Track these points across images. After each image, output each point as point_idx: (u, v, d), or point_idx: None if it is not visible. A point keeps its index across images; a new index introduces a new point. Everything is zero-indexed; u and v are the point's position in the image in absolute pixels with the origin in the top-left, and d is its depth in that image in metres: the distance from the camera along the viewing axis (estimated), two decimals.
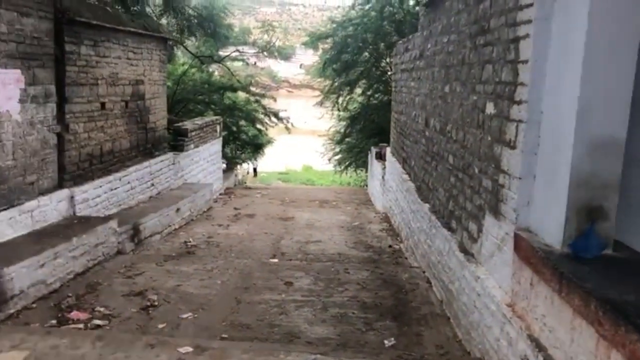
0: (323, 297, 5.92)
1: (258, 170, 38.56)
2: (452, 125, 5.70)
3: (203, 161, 13.59)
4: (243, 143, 22.72)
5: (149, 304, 5.55)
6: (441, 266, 5.72)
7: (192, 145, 12.58)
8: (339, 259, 7.91)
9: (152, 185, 10.00)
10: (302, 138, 47.17)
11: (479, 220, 4.57)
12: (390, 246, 8.78)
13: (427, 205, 6.70)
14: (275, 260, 7.73)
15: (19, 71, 5.97)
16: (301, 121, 56.52)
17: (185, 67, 17.58)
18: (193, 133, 12.66)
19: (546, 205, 3.52)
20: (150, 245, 8.27)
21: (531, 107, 3.65)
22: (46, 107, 6.57)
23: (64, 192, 6.98)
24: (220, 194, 15.37)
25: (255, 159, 28.06)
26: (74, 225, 6.67)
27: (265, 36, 17.35)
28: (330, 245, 8.75)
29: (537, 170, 3.67)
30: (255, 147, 23.75)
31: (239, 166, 32.10)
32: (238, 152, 24.63)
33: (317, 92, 22.98)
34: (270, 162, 37.56)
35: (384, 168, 12.43)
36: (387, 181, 11.54)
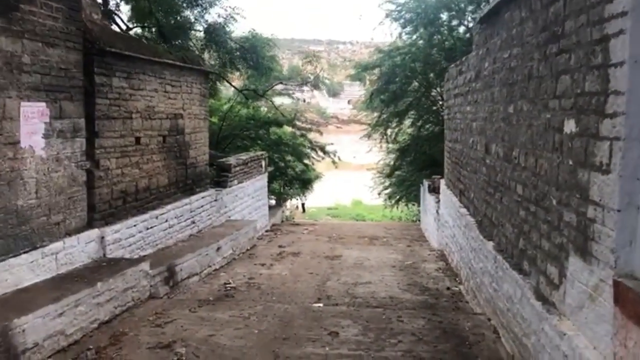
0: (373, 351, 5.14)
1: (307, 205, 38.18)
2: (519, 150, 4.93)
3: (247, 197, 13.13)
4: (291, 178, 22.33)
5: (175, 358, 4.92)
6: (511, 315, 4.86)
7: (235, 181, 12.16)
8: (391, 303, 7.11)
9: (193, 223, 9.54)
10: (351, 173, 46.74)
11: (561, 262, 3.74)
12: (448, 288, 7.91)
13: (490, 243, 5.87)
14: (320, 304, 7.00)
15: (43, 104, 5.63)
16: (350, 156, 56.19)
17: (231, 102, 17.42)
18: (237, 168, 12.26)
19: None
20: (186, 288, 7.72)
21: (630, 121, 2.87)
22: (74, 142, 6.20)
23: (94, 233, 6.54)
24: (266, 231, 14.84)
25: (304, 195, 27.64)
26: (101, 268, 6.19)
27: (309, 66, 17.02)
28: (381, 288, 7.95)
29: None
30: (303, 182, 23.32)
31: (287, 202, 31.80)
32: (286, 187, 24.27)
33: (366, 127, 22.46)
34: (319, 197, 37.08)
35: (438, 202, 11.59)
36: (442, 216, 10.69)
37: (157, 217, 8.20)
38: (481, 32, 6.86)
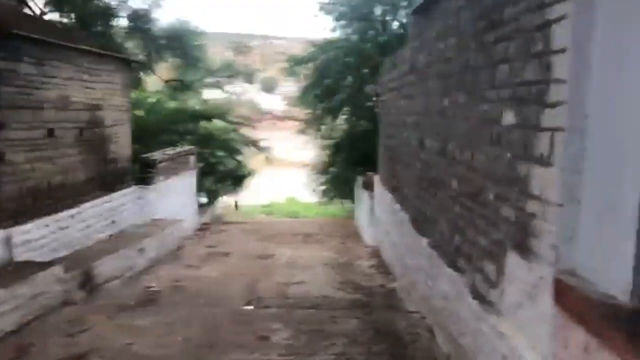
0: (305, 356, 4.86)
1: (240, 203, 37.47)
2: (454, 144, 4.78)
3: (175, 194, 12.54)
4: (223, 175, 21.71)
5: None
6: (447, 313, 4.71)
7: (161, 178, 11.56)
8: (324, 303, 6.85)
9: (113, 222, 8.93)
10: (286, 170, 46.31)
11: (499, 259, 3.59)
12: (382, 286, 7.76)
13: (425, 240, 5.72)
14: (250, 307, 6.66)
15: None
16: (285, 153, 55.67)
17: (158, 95, 16.66)
18: (162, 164, 11.66)
19: (603, 239, 2.56)
20: (105, 293, 7.16)
21: (572, 110, 2.71)
22: None
23: None
24: (196, 230, 14.28)
25: (237, 192, 27.02)
26: (5, 273, 5.58)
27: (241, 58, 16.51)
28: (314, 287, 7.69)
29: (585, 194, 2.72)
30: (236, 179, 22.75)
31: (220, 200, 31.00)
32: (218, 184, 23.60)
33: (300, 123, 22.16)
34: (253, 195, 36.44)
35: (372, 198, 11.48)
36: (376, 212, 10.57)
37: (73, 216, 7.58)
38: (416, 23, 6.71)
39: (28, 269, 5.79)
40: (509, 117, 3.45)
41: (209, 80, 18.10)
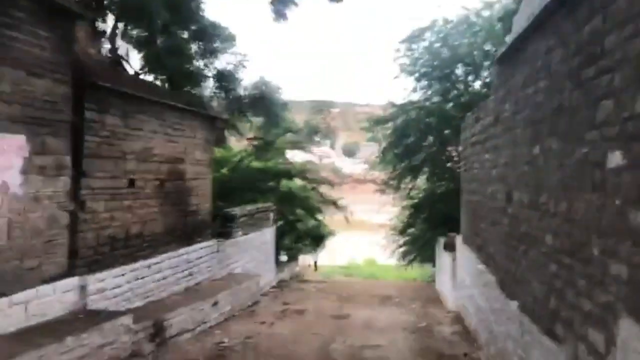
0: None
1: (319, 263, 37.18)
2: (547, 195, 4.30)
3: (253, 250, 12.49)
4: (302, 234, 21.66)
5: None
6: None
7: (240, 232, 11.57)
8: None
9: (190, 275, 8.90)
10: (365, 233, 45.80)
11: (608, 325, 3.05)
12: (466, 354, 7.09)
13: (514, 303, 5.14)
14: None
15: (23, 137, 5.17)
16: (365, 215, 55.37)
17: (241, 154, 17.05)
18: (242, 219, 11.70)
19: None
20: (175, 347, 7.00)
21: None
22: (57, 180, 5.71)
23: (73, 281, 5.94)
24: (272, 287, 14.09)
25: (316, 251, 26.83)
26: (76, 321, 5.56)
27: (320, 117, 16.68)
28: (392, 352, 7.16)
29: None
30: (316, 238, 22.64)
31: (298, 258, 30.91)
32: (298, 243, 23.55)
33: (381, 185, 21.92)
34: (332, 256, 36.14)
35: (454, 260, 10.84)
36: (458, 274, 9.93)
37: (149, 267, 7.60)
38: (501, 72, 6.37)
39: (98, 317, 5.76)
40: (616, 159, 3.00)
41: (290, 139, 18.36)
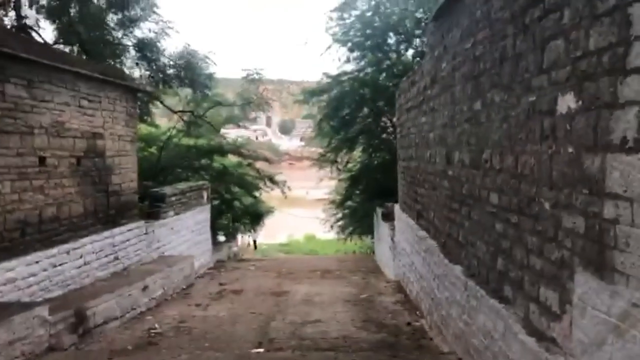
0: None
1: (258, 242, 36.73)
2: (491, 151, 4.08)
3: (186, 231, 11.91)
4: (240, 213, 21.14)
5: None
6: (491, 354, 3.91)
7: (171, 213, 10.96)
8: (344, 344, 6.06)
9: (116, 259, 8.29)
10: (304, 209, 45.61)
11: (562, 283, 2.84)
12: (409, 324, 6.93)
13: (458, 267, 4.95)
14: (260, 350, 5.89)
15: None
16: (303, 192, 55.26)
17: (171, 131, 16.26)
18: (172, 198, 11.08)
19: None
20: (101, 336, 6.45)
21: None
22: None
23: None
24: (209, 268, 13.58)
25: (255, 230, 26.39)
26: None
27: (252, 86, 16.05)
28: (333, 326, 6.90)
29: None
30: (254, 216, 22.16)
31: (237, 238, 30.35)
32: (235, 222, 23.02)
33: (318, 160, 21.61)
34: (271, 233, 35.79)
35: (393, 229, 10.73)
36: (398, 243, 9.80)
37: (68, 253, 6.96)
38: (436, 30, 6.11)
39: (8, 310, 5.13)
40: (567, 102, 2.75)
41: (224, 116, 17.66)
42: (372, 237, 18.91)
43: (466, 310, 4.62)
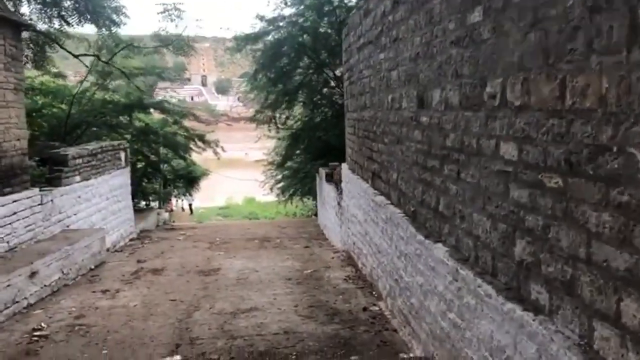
0: None
1: (195, 206, 34.81)
2: (503, 80, 2.71)
3: (99, 198, 10.16)
4: (173, 176, 19.38)
5: None
6: None
7: (77, 178, 9.19)
8: (287, 344, 4.72)
9: None
10: (243, 171, 43.77)
11: None
12: (365, 309, 5.66)
13: (441, 248, 3.64)
14: (176, 358, 4.46)
15: None
16: (242, 153, 53.35)
17: (82, 85, 14.15)
18: (78, 161, 9.28)
19: None
20: None
21: None
22: None
23: None
24: (131, 239, 11.91)
25: (190, 194, 24.65)
26: None
27: (169, 23, 14.09)
28: (273, 316, 5.54)
29: None
30: (188, 180, 20.47)
31: (173, 202, 28.44)
32: (168, 186, 21.26)
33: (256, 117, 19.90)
34: (209, 197, 34.01)
35: (340, 192, 9.40)
36: (346, 208, 8.49)
37: None
38: None
39: None
40: None
41: (144, 66, 15.56)
42: (315, 200, 17.66)
43: (455, 307, 3.34)
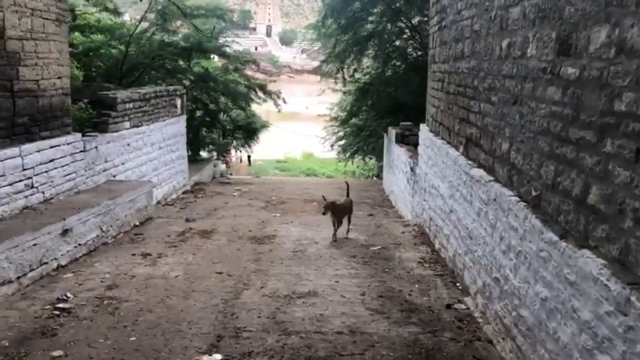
0: None
1: (253, 158, 34.34)
2: None
3: (151, 148, 9.45)
4: (232, 126, 18.66)
5: None
6: None
7: (127, 124, 8.46)
8: (354, 349, 3.74)
9: (30, 187, 5.86)
10: (303, 124, 42.84)
11: None
12: (449, 306, 4.60)
13: (592, 258, 2.50)
14: (216, 358, 3.59)
15: None
16: (302, 107, 52.37)
17: (140, 24, 13.36)
18: (129, 105, 8.54)
19: None
20: None
21: None
22: None
23: None
24: (184, 192, 11.27)
25: (249, 146, 24.00)
26: None
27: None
28: (335, 306, 4.57)
29: None
30: (248, 131, 19.73)
31: (232, 153, 27.97)
32: (228, 137, 20.64)
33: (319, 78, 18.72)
34: (267, 150, 33.38)
35: (415, 157, 8.26)
36: (422, 177, 7.35)
37: None
38: None
39: None
40: None
41: (208, 7, 14.60)
42: (379, 161, 16.51)
43: (615, 351, 2.22)
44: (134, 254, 5.95)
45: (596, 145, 2.57)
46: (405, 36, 14.70)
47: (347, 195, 7.33)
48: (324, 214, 6.61)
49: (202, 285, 5.03)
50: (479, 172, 4.53)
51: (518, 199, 3.57)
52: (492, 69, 4.30)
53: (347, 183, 7.53)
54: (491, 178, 4.22)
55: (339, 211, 6.75)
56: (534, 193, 3.34)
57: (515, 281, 3.50)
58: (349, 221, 6.97)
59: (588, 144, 2.65)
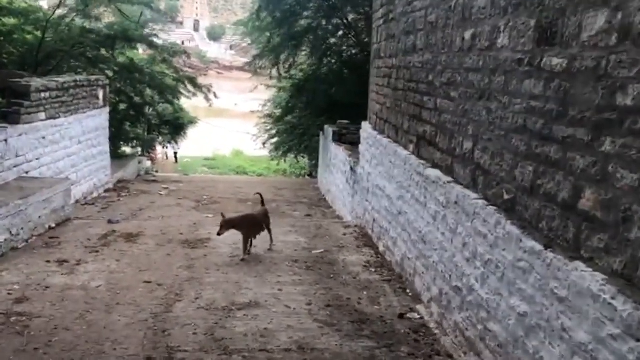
0: None
1: (179, 155, 33.12)
2: None
3: (69, 141, 8.63)
4: (159, 121, 17.81)
5: None
6: None
7: (42, 115, 7.64)
8: None
9: None
10: (233, 122, 41.87)
11: None
12: (401, 316, 4.29)
13: (587, 272, 2.22)
14: None
15: None
16: (231, 103, 51.24)
17: (63, 9, 12.31)
18: (45, 95, 7.71)
19: None
20: None
21: None
22: None
23: None
24: (106, 191, 10.45)
25: (176, 142, 22.97)
26: None
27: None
28: (280, 319, 4.14)
29: None
30: (175, 127, 18.92)
31: (157, 149, 26.76)
32: (153, 132, 19.69)
33: (249, 75, 18.13)
34: (195, 146, 32.22)
35: (356, 156, 7.97)
36: (364, 177, 7.06)
37: None
38: None
39: None
40: None
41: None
42: (312, 160, 16.25)
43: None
44: (48, 261, 5.24)
45: (590, 144, 2.31)
46: (340, 33, 14.49)
47: (262, 204, 6.62)
48: (219, 234, 5.58)
49: (128, 297, 4.45)
50: (434, 173, 4.25)
51: (486, 202, 3.29)
52: (452, 63, 4.02)
53: (260, 195, 6.60)
54: (450, 179, 3.94)
55: (245, 226, 5.80)
56: (506, 196, 3.07)
57: (483, 292, 3.22)
58: (270, 231, 6.28)
59: (579, 143, 2.38)
